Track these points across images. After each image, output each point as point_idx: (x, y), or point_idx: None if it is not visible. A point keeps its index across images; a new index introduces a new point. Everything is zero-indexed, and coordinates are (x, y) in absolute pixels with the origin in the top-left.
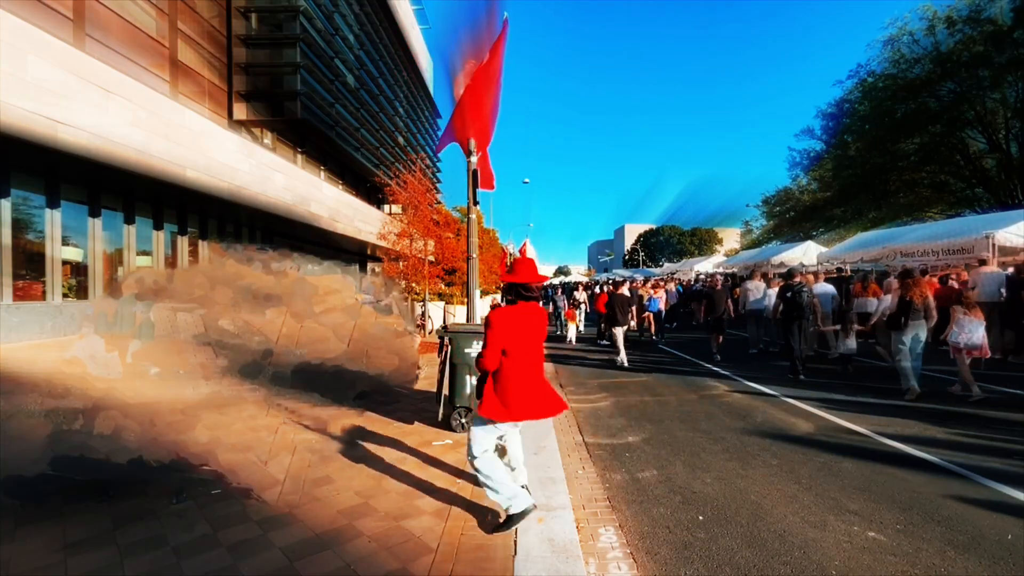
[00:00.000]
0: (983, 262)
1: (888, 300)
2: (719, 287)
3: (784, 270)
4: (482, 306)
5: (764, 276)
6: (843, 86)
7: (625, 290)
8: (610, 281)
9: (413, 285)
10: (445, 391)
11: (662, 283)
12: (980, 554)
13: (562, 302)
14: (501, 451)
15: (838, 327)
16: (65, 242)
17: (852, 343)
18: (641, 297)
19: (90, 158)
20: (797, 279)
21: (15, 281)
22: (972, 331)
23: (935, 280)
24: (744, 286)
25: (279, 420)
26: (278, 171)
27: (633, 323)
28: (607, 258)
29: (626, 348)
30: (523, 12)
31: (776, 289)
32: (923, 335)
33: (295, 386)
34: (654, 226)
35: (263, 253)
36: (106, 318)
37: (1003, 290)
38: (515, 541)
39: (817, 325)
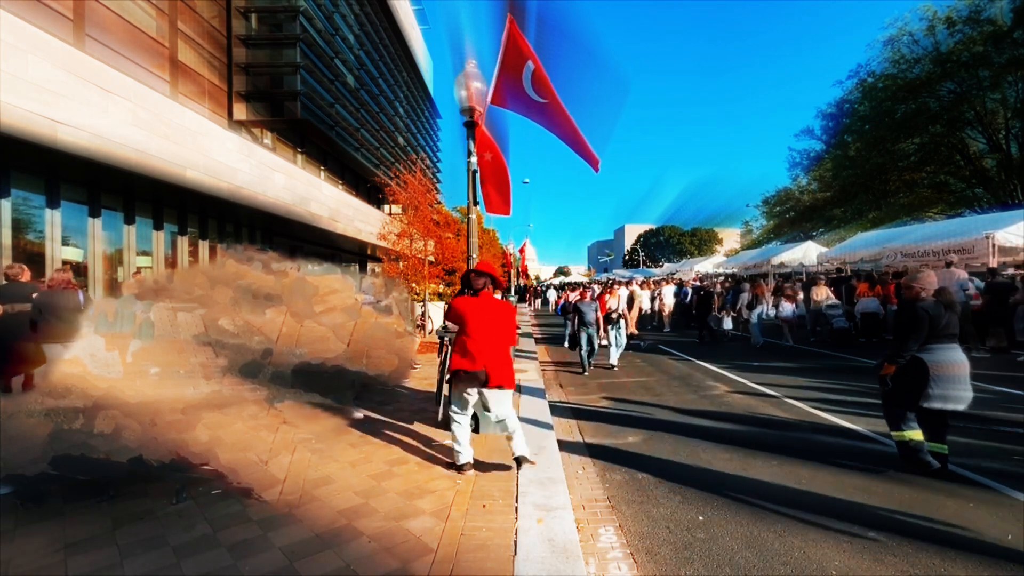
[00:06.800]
0: (949, 264)
1: (747, 295)
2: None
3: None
4: None
5: (640, 283)
6: (843, 86)
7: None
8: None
9: (413, 285)
10: (445, 392)
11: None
12: (980, 554)
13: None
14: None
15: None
16: (65, 242)
17: (729, 323)
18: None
19: (90, 158)
20: (707, 282)
21: None
22: (786, 310)
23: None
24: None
25: (279, 420)
26: (278, 171)
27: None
28: (607, 258)
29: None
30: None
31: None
32: (764, 311)
33: (295, 386)
34: (654, 226)
35: (263, 254)
36: (106, 318)
37: (965, 291)
38: (515, 541)
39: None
